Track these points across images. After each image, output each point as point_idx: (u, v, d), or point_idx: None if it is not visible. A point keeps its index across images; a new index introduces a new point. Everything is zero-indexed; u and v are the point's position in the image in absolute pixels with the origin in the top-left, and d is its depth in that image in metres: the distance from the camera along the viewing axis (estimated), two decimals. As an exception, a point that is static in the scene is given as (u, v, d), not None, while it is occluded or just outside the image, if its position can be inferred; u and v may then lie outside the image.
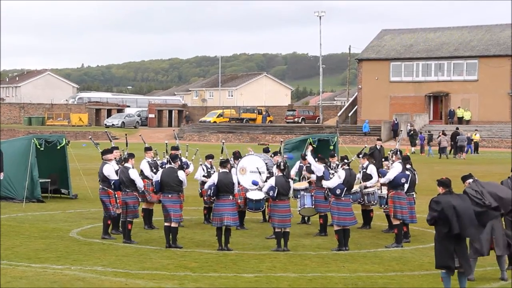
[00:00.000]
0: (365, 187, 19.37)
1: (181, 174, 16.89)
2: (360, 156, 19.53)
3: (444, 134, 53.81)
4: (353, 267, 14.80)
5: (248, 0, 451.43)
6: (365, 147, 20.22)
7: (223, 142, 20.83)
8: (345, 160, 17.59)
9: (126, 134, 22.46)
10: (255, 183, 18.98)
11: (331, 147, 24.77)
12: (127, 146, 20.03)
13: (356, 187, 18.76)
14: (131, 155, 17.89)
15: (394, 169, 17.57)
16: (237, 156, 20.29)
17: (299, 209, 19.07)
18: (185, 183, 17.11)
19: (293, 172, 20.04)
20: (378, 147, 28.53)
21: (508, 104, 71.82)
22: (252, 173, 19.51)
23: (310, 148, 21.09)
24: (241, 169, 19.23)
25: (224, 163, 16.87)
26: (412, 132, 59.35)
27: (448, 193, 12.30)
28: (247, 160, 19.74)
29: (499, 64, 72.23)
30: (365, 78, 79.67)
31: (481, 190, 13.32)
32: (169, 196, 16.75)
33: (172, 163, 17.09)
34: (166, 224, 16.78)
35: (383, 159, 19.99)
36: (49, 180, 25.72)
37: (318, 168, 18.57)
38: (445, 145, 52.20)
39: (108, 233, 17.86)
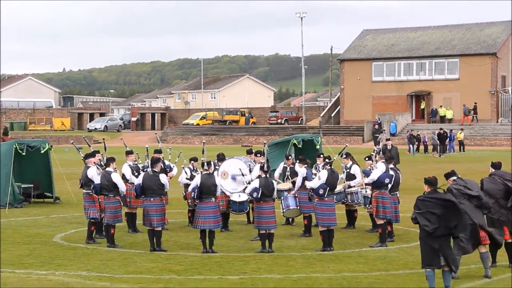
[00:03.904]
0: (349, 187, 19.38)
1: (162, 178, 16.78)
2: (343, 156, 19.51)
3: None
4: (338, 267, 14.82)
5: (230, 1, 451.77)
6: (346, 146, 20.18)
7: (203, 143, 20.73)
8: (327, 160, 17.59)
9: (103, 139, 22.34)
10: (233, 177, 18.95)
11: (317, 147, 24.64)
12: (105, 150, 19.95)
13: (339, 187, 18.78)
14: (111, 159, 17.77)
15: (378, 169, 17.60)
16: (221, 158, 20.23)
17: (283, 211, 19.00)
18: (167, 186, 17.04)
19: (276, 174, 19.98)
20: (389, 147, 28.50)
21: (489, 102, 72.20)
22: (234, 176, 19.44)
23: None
24: (222, 173, 19.16)
25: (206, 165, 16.81)
26: (375, 132, 61.21)
27: (433, 191, 12.38)
28: (228, 164, 19.69)
29: (480, 62, 72.59)
30: (347, 78, 79.81)
31: (465, 185, 13.54)
32: (151, 200, 16.65)
33: (154, 167, 16.93)
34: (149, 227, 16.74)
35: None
36: (32, 185, 25.57)
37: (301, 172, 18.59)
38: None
39: (93, 238, 17.80)
